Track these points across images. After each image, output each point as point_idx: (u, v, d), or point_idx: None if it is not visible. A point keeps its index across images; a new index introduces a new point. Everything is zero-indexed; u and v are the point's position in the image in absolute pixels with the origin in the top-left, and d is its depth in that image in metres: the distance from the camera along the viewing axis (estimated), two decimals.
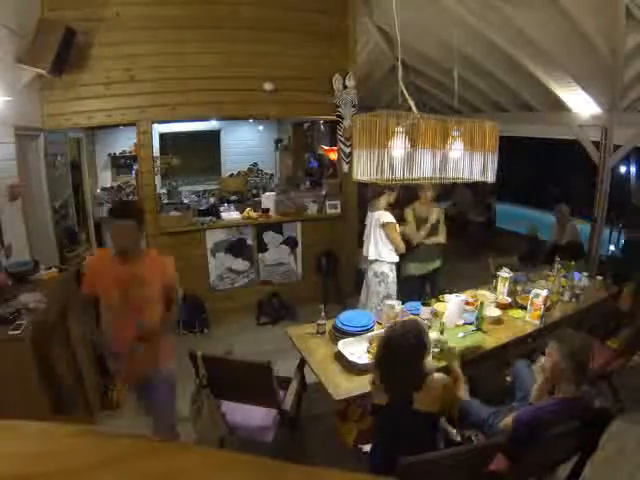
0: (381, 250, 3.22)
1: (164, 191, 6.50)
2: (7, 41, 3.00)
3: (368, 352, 2.30)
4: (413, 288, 3.47)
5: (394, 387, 1.72)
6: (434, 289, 3.62)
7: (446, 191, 7.14)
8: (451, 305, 2.64)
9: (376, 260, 3.24)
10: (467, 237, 6.49)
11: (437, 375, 1.77)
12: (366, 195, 3.60)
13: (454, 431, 2.00)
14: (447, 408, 1.76)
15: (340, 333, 2.45)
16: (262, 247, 4.54)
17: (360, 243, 3.58)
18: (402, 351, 1.68)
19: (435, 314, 2.67)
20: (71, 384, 2.43)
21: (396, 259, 3.27)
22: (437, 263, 3.61)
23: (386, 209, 3.22)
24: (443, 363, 2.17)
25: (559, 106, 4.61)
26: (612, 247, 5.68)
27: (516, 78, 4.74)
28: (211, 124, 6.83)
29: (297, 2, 4.19)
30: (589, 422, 1.71)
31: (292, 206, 4.67)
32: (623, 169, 6.66)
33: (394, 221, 3.20)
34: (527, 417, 1.75)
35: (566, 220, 4.91)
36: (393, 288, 3.27)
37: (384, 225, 3.16)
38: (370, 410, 1.85)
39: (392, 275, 3.27)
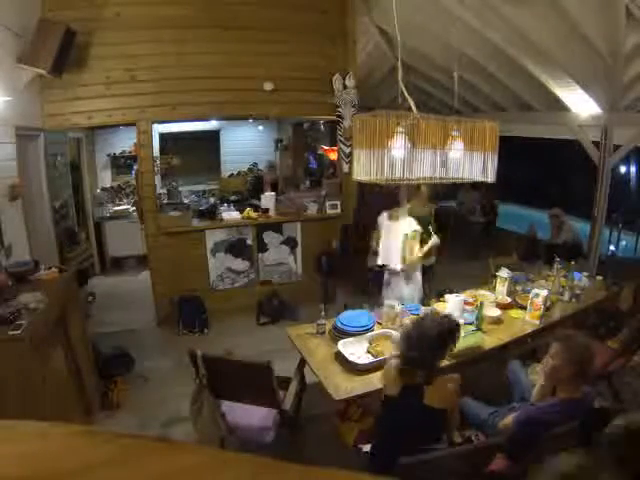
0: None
1: (164, 191, 6.50)
2: (7, 41, 3.00)
3: (368, 352, 2.30)
4: (425, 279, 3.47)
5: (411, 372, 1.74)
6: (430, 286, 3.64)
7: (450, 191, 7.16)
8: (451, 305, 2.64)
9: (408, 270, 3.13)
10: (467, 237, 6.50)
11: (449, 375, 1.80)
12: (366, 196, 3.55)
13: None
14: (450, 409, 1.77)
15: (340, 333, 2.45)
16: (262, 247, 4.54)
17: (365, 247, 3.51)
18: (430, 334, 1.72)
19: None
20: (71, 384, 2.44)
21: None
22: (432, 259, 3.60)
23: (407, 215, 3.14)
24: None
25: (559, 106, 4.61)
26: (612, 247, 5.69)
27: (516, 78, 4.74)
28: (211, 124, 6.83)
29: (297, 2, 4.19)
30: (589, 422, 1.71)
31: (292, 206, 4.67)
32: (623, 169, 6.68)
33: (418, 229, 3.06)
34: (527, 417, 1.75)
35: (560, 222, 4.94)
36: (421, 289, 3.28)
37: (411, 233, 3.02)
38: (379, 404, 1.86)
39: (420, 277, 3.26)
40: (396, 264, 3.09)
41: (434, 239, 3.16)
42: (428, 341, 1.72)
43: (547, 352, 1.87)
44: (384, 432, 1.86)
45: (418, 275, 3.22)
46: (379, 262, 3.22)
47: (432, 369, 1.75)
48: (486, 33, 3.97)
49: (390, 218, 3.16)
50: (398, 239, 3.05)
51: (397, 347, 1.87)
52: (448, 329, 1.77)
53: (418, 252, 3.06)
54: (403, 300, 3.12)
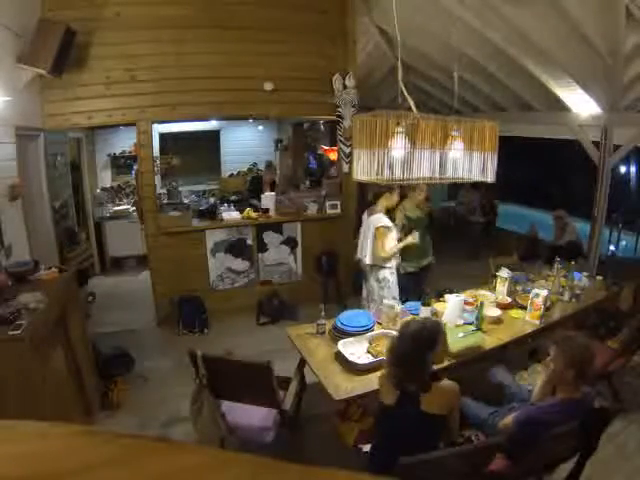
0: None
1: (164, 191, 6.50)
2: (7, 41, 3.00)
3: (368, 352, 2.30)
4: (409, 285, 3.48)
5: (404, 382, 1.73)
6: (425, 285, 3.65)
7: (451, 191, 7.17)
8: (451, 305, 2.63)
9: (375, 265, 3.23)
10: (467, 237, 6.51)
11: (448, 381, 1.78)
12: (366, 196, 3.58)
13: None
14: (449, 412, 1.77)
15: (340, 333, 2.45)
16: (262, 247, 4.54)
17: (355, 245, 3.57)
18: (414, 345, 1.71)
19: (435, 314, 2.67)
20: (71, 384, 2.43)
21: (395, 262, 3.26)
22: (429, 259, 3.63)
23: (384, 213, 3.20)
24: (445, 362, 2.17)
25: (559, 106, 4.61)
26: (612, 247, 5.69)
27: (516, 78, 4.74)
28: (211, 124, 6.83)
29: (297, 2, 4.19)
30: (589, 422, 1.71)
31: (292, 206, 4.67)
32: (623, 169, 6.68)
33: (388, 225, 3.16)
34: (527, 417, 1.75)
35: (564, 223, 4.95)
36: (396, 291, 3.28)
37: (375, 229, 3.14)
38: (376, 409, 1.86)
39: (393, 279, 3.27)
40: (365, 258, 3.26)
41: (410, 238, 3.21)
42: (410, 349, 1.71)
43: (548, 352, 1.87)
44: (381, 439, 1.86)
45: (386, 272, 3.23)
46: (357, 255, 3.39)
47: (423, 376, 1.73)
48: (486, 33, 3.97)
49: (367, 214, 3.31)
50: (368, 234, 3.22)
51: (387, 358, 1.86)
52: (430, 334, 1.74)
53: (386, 248, 3.13)
54: (374, 295, 3.26)
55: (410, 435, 1.71)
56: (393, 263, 3.25)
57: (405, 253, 3.38)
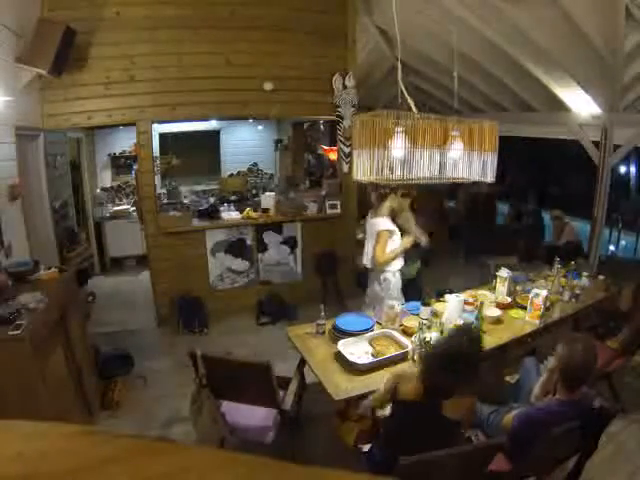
0: None
1: (164, 191, 6.50)
2: (7, 41, 3.00)
3: (372, 354, 2.29)
4: (413, 290, 3.45)
5: (434, 387, 1.69)
6: (422, 288, 3.62)
7: (451, 191, 7.16)
8: (451, 305, 2.63)
9: (377, 268, 3.15)
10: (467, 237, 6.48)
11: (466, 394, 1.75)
12: (368, 197, 3.47)
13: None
14: (465, 418, 1.76)
15: (340, 333, 2.45)
16: (262, 247, 4.54)
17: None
18: (462, 358, 1.63)
19: (435, 314, 2.67)
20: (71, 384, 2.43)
21: (399, 266, 3.14)
22: (419, 263, 3.54)
23: (388, 215, 3.07)
24: None
25: (559, 106, 4.61)
26: (612, 247, 5.70)
27: (516, 78, 4.74)
28: (211, 124, 6.83)
29: (297, 2, 4.19)
30: (589, 422, 1.71)
31: (292, 206, 4.67)
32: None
33: (391, 229, 3.03)
34: (527, 417, 1.75)
35: (562, 223, 4.96)
36: (395, 292, 3.17)
37: (378, 233, 3.01)
38: (393, 404, 1.81)
39: (394, 279, 3.16)
40: (367, 262, 3.19)
41: (403, 242, 3.07)
42: (453, 364, 1.63)
43: (550, 351, 1.86)
44: (393, 436, 1.83)
45: (388, 275, 3.10)
46: (363, 262, 3.28)
47: (454, 390, 1.68)
48: (486, 33, 3.97)
49: (370, 216, 3.23)
50: (369, 238, 3.15)
51: (421, 363, 1.79)
52: (468, 366, 1.64)
53: (385, 252, 2.98)
54: (376, 297, 3.15)
55: (424, 436, 1.68)
56: (395, 266, 3.13)
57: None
